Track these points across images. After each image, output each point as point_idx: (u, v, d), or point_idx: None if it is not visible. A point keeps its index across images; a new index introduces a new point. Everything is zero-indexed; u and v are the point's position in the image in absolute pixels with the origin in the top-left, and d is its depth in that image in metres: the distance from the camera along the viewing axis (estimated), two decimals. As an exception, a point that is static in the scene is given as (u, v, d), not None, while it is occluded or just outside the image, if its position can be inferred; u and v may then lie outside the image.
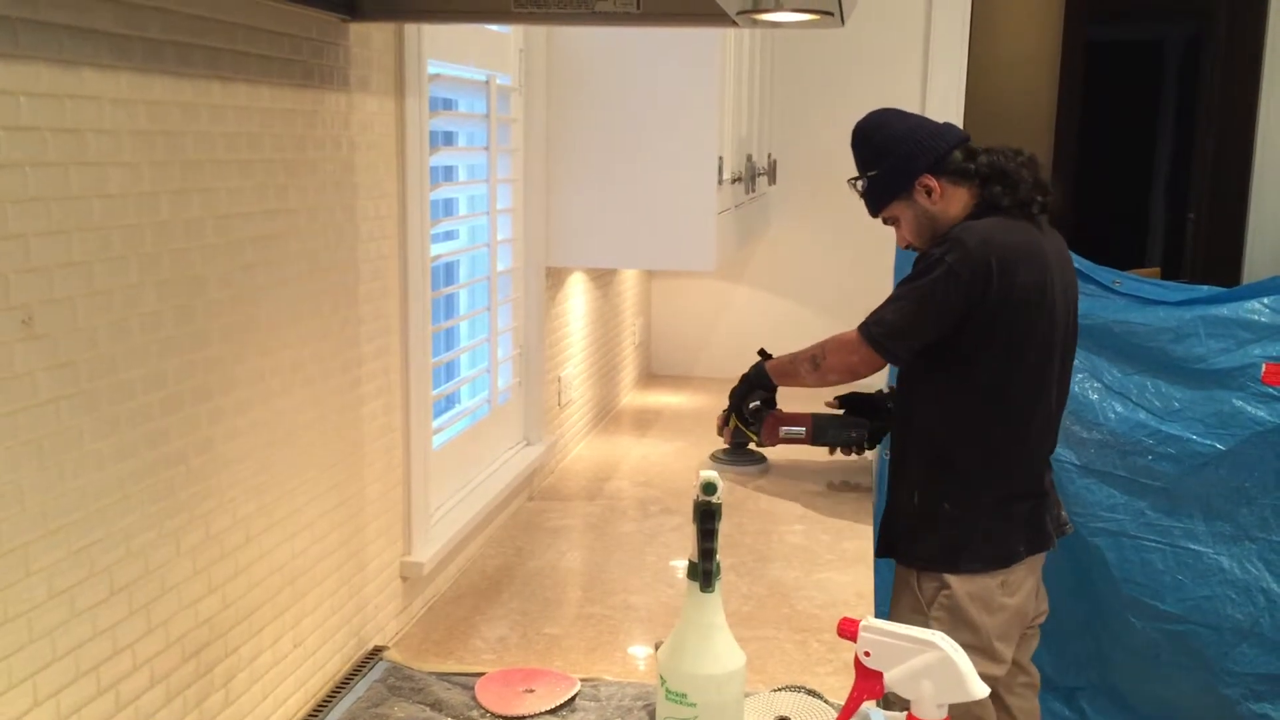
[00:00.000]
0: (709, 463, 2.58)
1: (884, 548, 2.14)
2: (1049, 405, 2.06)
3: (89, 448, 1.00)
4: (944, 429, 2.05)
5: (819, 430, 2.44)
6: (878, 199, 2.14)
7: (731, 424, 2.50)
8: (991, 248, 1.94)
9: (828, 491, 2.44)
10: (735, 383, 2.49)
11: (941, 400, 2.05)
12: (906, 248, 2.16)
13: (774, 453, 2.58)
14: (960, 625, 1.98)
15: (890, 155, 2.08)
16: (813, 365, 2.25)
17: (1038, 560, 2.11)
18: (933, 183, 2.06)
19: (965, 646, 1.94)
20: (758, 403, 2.46)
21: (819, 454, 2.55)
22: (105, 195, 1.00)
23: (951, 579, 2.01)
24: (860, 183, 2.15)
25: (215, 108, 1.16)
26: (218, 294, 1.18)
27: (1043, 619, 2.20)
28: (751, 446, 2.55)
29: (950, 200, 2.06)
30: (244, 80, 1.21)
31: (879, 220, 2.18)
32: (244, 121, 1.21)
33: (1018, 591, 2.04)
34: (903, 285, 2.06)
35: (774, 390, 2.46)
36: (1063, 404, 2.12)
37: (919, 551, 2.06)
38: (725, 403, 2.52)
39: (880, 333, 2.07)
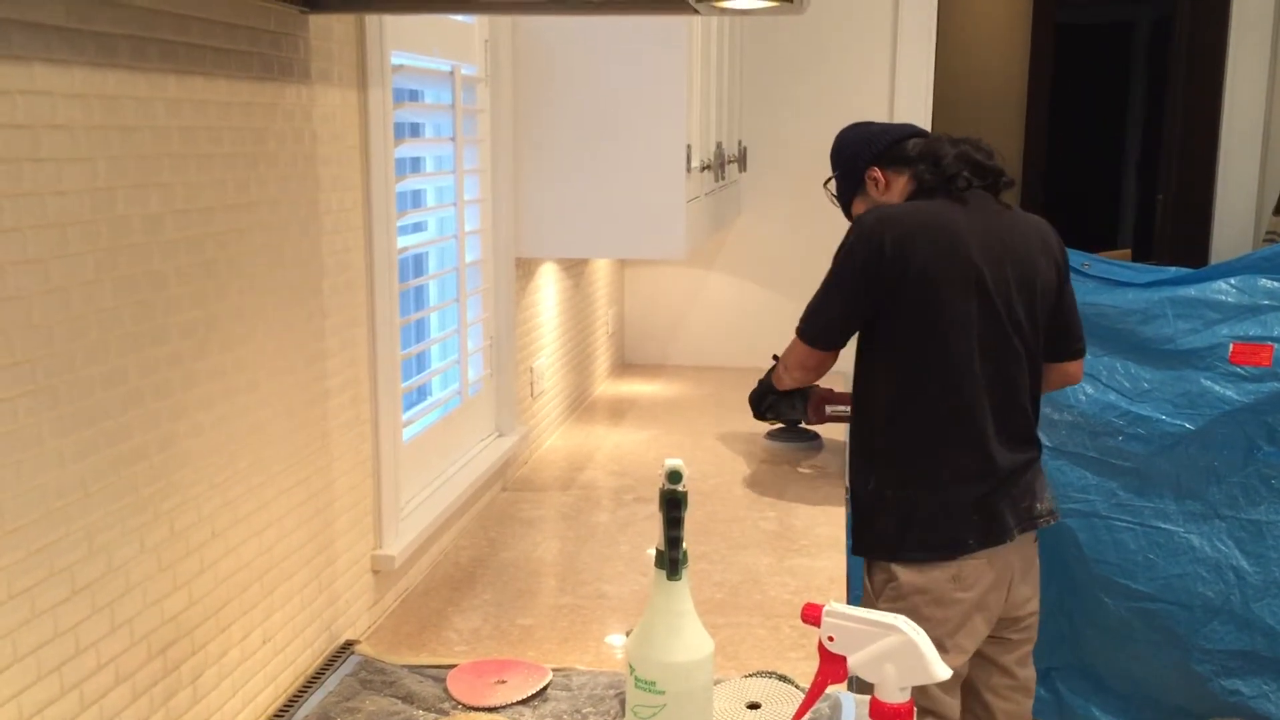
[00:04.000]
0: (762, 443, 2.68)
1: (851, 542, 2.13)
2: (976, 383, 1.97)
3: (48, 446, 0.99)
4: (878, 411, 2.05)
5: None
6: (842, 200, 2.28)
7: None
8: (887, 225, 1.98)
9: (798, 476, 2.45)
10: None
11: (873, 383, 2.06)
12: None
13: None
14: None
15: (842, 155, 2.23)
16: (782, 368, 2.29)
17: (1002, 554, 2.01)
18: (878, 174, 2.17)
19: None
20: (772, 400, 2.59)
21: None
22: (59, 192, 0.99)
23: (898, 570, 1.99)
24: (832, 188, 2.29)
25: (172, 101, 1.15)
26: (178, 290, 1.17)
27: (1031, 620, 2.11)
28: (802, 425, 2.65)
29: (893, 189, 2.15)
30: (201, 73, 1.20)
31: None
32: (201, 115, 1.20)
33: (973, 586, 1.98)
34: None
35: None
36: (1015, 384, 2.02)
37: (866, 540, 2.07)
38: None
39: (801, 323, 2.13)
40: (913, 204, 2.06)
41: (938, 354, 1.98)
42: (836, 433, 2.69)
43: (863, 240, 1.99)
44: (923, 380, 1.99)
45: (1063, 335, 2.15)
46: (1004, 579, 2.03)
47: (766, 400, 2.58)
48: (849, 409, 2.37)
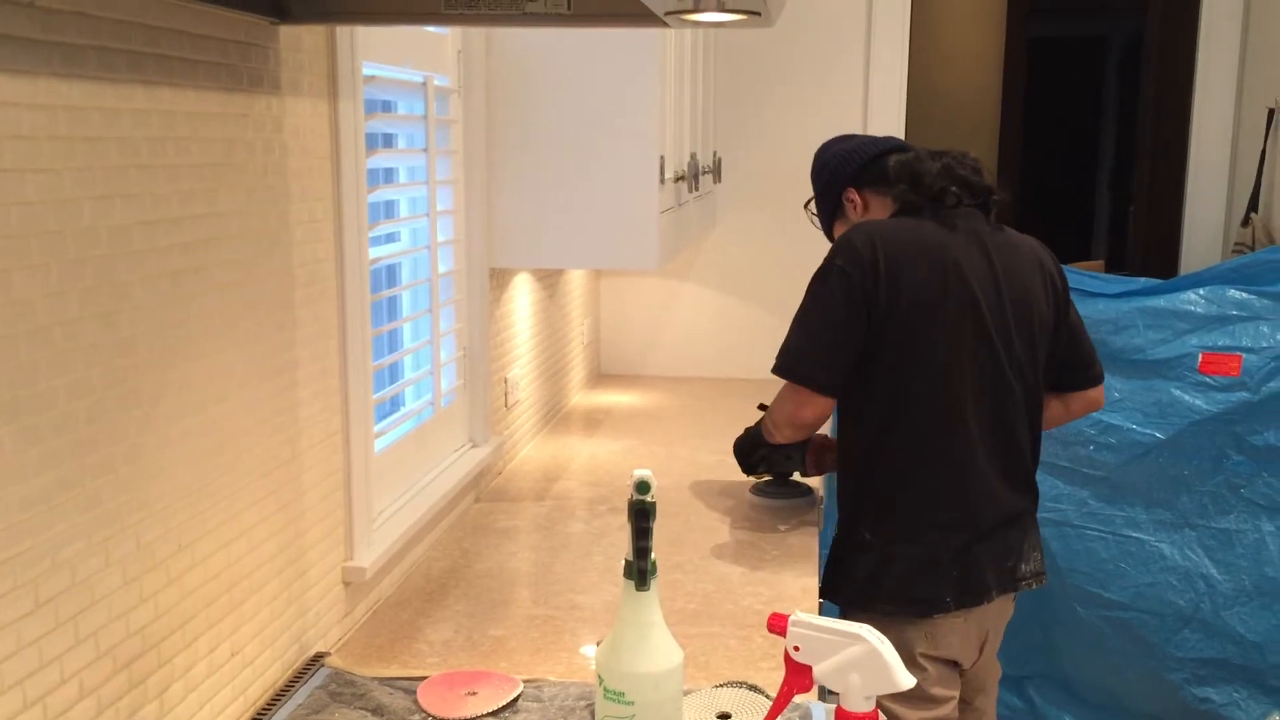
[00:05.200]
0: (746, 498, 2.38)
1: (821, 586, 1.97)
2: (968, 424, 1.83)
3: (11, 459, 0.99)
4: (859, 450, 1.91)
5: None
6: (824, 223, 2.14)
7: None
8: (879, 241, 1.81)
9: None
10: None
11: (855, 417, 1.91)
12: None
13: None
14: None
15: (820, 177, 2.09)
16: (772, 425, 2.01)
17: (978, 615, 1.88)
18: (855, 196, 2.03)
19: (893, 698, 1.78)
20: (763, 466, 2.29)
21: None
22: (23, 202, 0.99)
23: (870, 623, 1.88)
24: (812, 210, 2.16)
25: (139, 112, 1.14)
26: (144, 300, 1.17)
27: (993, 686, 2.01)
28: (796, 476, 2.35)
29: (875, 210, 2.00)
30: (169, 84, 1.20)
31: None
32: (169, 126, 1.20)
33: (948, 646, 1.87)
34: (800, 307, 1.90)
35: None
36: (1011, 425, 1.88)
37: (842, 586, 1.92)
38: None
39: (787, 363, 1.86)
40: (896, 223, 1.88)
41: (927, 391, 1.82)
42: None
43: (854, 259, 1.80)
44: (909, 418, 1.84)
45: (1074, 363, 1.99)
46: (979, 639, 1.93)
47: (758, 453, 2.25)
48: None
